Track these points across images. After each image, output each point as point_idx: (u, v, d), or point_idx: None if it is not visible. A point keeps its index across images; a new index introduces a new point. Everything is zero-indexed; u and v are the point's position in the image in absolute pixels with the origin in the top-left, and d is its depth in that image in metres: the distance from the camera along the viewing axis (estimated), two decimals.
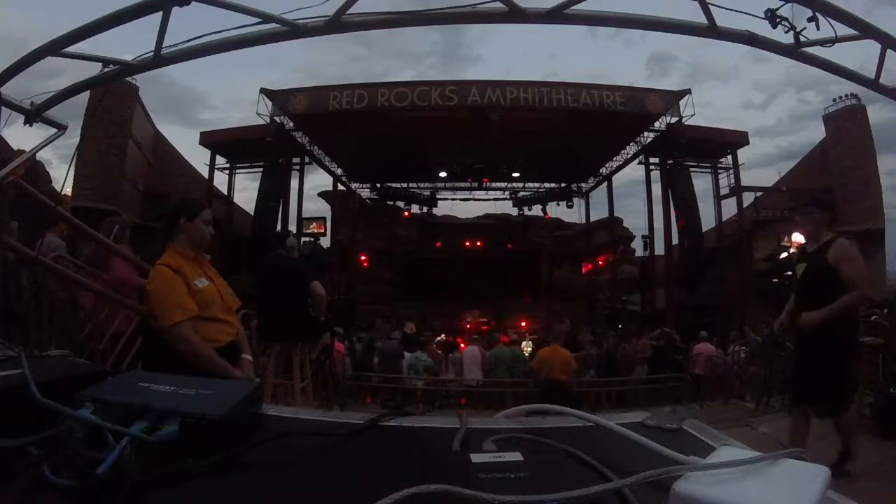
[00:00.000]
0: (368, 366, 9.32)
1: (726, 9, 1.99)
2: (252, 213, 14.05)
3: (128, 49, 2.31)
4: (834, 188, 13.51)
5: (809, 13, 1.92)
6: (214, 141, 15.26)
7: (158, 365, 2.00)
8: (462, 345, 10.61)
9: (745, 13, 2.04)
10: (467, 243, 19.96)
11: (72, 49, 1.94)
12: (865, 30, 2.07)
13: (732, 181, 14.50)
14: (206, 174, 15.33)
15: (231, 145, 14.96)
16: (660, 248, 14.79)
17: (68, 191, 11.04)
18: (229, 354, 2.12)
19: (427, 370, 8.82)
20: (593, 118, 12.10)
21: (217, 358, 2.01)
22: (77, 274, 3.60)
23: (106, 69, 2.13)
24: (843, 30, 1.99)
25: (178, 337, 1.96)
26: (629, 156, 15.09)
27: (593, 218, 18.67)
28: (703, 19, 2.05)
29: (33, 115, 1.99)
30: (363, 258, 18.31)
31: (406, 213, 19.50)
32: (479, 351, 9.32)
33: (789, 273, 6.75)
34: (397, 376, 8.76)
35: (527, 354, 9.91)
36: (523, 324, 16.00)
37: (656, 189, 14.22)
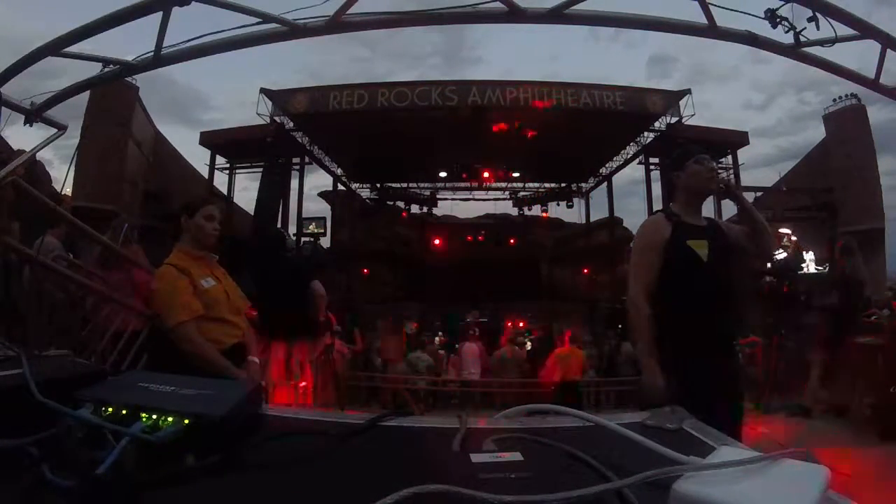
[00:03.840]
0: (371, 365, 9.35)
1: (726, 9, 2.00)
2: (252, 213, 14.04)
3: (128, 49, 2.31)
4: (834, 188, 13.48)
5: (809, 13, 1.92)
6: (214, 141, 15.24)
7: (166, 365, 2.00)
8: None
9: (745, 13, 2.04)
10: (470, 241, 19.97)
11: (72, 49, 1.94)
12: (865, 30, 2.07)
13: (732, 181, 14.49)
14: (206, 174, 15.32)
15: (231, 145, 14.94)
16: None
17: (68, 191, 11.03)
18: (235, 356, 2.10)
19: (429, 370, 8.83)
20: (593, 118, 12.09)
21: (221, 359, 2.00)
22: (76, 274, 3.60)
23: (106, 69, 2.13)
24: (843, 30, 1.99)
25: (182, 337, 1.96)
26: (629, 156, 15.08)
27: (593, 218, 18.67)
28: (703, 19, 2.05)
29: (33, 115, 1.99)
30: (363, 258, 18.31)
31: (406, 214, 19.50)
32: (477, 347, 9.35)
33: (783, 275, 6.77)
34: (399, 376, 8.77)
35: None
36: (521, 324, 16.01)
37: (656, 189, 14.20)
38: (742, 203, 2.10)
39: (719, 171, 2.16)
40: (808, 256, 10.14)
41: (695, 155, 2.05)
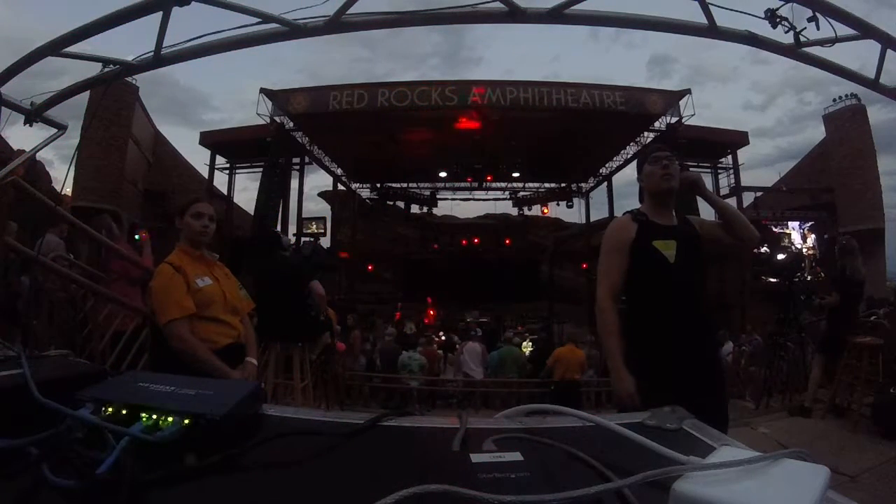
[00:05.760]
0: (373, 366, 9.37)
1: (726, 9, 1.99)
2: (252, 213, 14.04)
3: (128, 49, 2.31)
4: (834, 188, 13.49)
5: (809, 13, 1.92)
6: (214, 141, 15.26)
7: (167, 364, 2.00)
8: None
9: (745, 13, 2.04)
10: (467, 243, 19.96)
11: (72, 49, 1.94)
12: (865, 30, 2.07)
13: (732, 181, 14.50)
14: (206, 174, 15.33)
15: (231, 145, 14.96)
16: None
17: (68, 191, 11.03)
18: (229, 357, 2.09)
19: (422, 369, 8.83)
20: (593, 118, 12.08)
21: (212, 359, 1.99)
22: (76, 273, 3.60)
23: (106, 69, 2.13)
24: (844, 30, 1.99)
25: (172, 335, 1.96)
26: (629, 156, 15.06)
27: (593, 218, 18.66)
28: (703, 19, 2.05)
29: (33, 115, 1.98)
30: (363, 258, 18.31)
31: (406, 214, 19.50)
32: (479, 347, 9.35)
33: (788, 275, 6.79)
34: (396, 376, 8.78)
35: (526, 354, 9.94)
36: (519, 328, 16.01)
37: None
38: (706, 197, 2.10)
39: (689, 167, 2.14)
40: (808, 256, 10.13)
41: (649, 155, 2.05)
